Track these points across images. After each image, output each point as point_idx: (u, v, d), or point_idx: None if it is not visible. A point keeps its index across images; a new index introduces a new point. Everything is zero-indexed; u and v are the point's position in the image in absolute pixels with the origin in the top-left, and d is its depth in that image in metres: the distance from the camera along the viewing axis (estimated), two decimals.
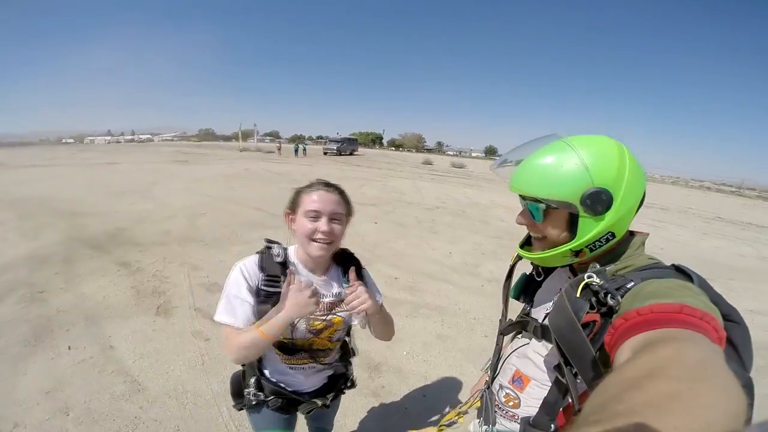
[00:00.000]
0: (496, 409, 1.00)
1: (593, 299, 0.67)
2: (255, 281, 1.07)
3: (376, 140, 76.15)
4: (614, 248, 0.79)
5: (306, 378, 1.24)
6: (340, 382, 1.34)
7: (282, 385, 1.21)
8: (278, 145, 30.70)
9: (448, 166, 29.15)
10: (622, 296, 0.64)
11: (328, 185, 1.13)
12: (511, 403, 0.95)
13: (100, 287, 3.70)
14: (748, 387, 0.53)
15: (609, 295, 0.64)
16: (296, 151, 29.67)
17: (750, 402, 0.47)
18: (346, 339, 1.34)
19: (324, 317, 1.16)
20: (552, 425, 0.84)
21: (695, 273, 0.67)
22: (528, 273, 1.04)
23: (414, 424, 2.22)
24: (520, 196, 0.84)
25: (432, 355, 2.89)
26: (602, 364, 0.63)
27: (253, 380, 1.19)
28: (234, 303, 1.04)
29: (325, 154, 32.68)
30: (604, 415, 0.33)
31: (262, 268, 1.08)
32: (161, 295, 3.62)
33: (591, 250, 0.78)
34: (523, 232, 0.93)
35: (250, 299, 1.05)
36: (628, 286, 0.65)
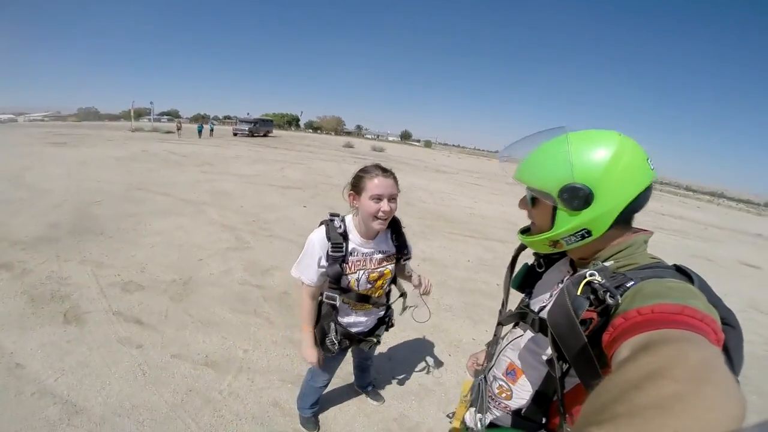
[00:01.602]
0: (490, 400, 1.01)
1: (592, 297, 0.66)
2: (325, 249, 1.36)
3: (292, 122, 72.43)
4: (610, 243, 0.78)
5: (366, 320, 1.62)
6: (383, 322, 1.72)
7: (350, 328, 1.59)
8: (178, 124, 26.63)
9: (369, 150, 29.34)
10: (621, 295, 0.63)
11: (384, 171, 1.34)
12: (503, 395, 0.96)
13: None
14: None
15: (609, 294, 0.63)
16: (200, 131, 26.22)
17: None
18: (391, 288, 1.67)
19: (377, 269, 1.47)
20: (543, 418, 0.86)
21: (696, 274, 0.68)
22: (530, 264, 1.03)
23: (390, 397, 2.31)
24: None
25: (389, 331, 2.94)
26: (598, 363, 0.63)
27: (332, 326, 1.53)
28: (304, 265, 1.40)
29: (236, 135, 30.09)
30: (605, 417, 0.33)
31: (329, 238, 1.35)
32: (64, 299, 3.02)
33: (567, 243, 0.79)
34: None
35: (316, 265, 1.37)
36: (628, 285, 0.65)
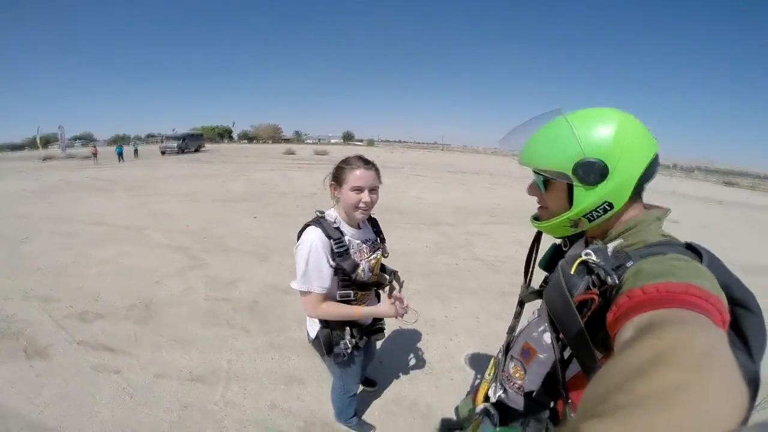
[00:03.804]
0: (506, 380, 1.02)
1: (592, 277, 0.66)
2: (328, 247, 1.30)
3: (224, 134, 68.74)
4: (619, 220, 0.77)
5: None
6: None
7: (360, 321, 1.55)
8: (93, 149, 22.87)
9: (312, 155, 28.79)
10: (620, 275, 0.63)
11: (366, 162, 1.33)
12: (517, 374, 0.97)
13: None
14: (755, 380, 0.54)
15: (607, 275, 0.63)
16: (119, 153, 22.34)
17: (754, 394, 0.52)
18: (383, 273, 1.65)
19: (371, 257, 1.48)
20: (551, 402, 0.85)
21: (707, 251, 0.66)
22: (557, 244, 1.02)
23: (383, 382, 2.44)
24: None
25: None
26: (601, 344, 0.63)
27: (347, 329, 1.49)
28: (312, 272, 1.29)
29: (164, 153, 27.92)
30: (607, 408, 0.32)
31: (328, 236, 1.30)
32: (18, 336, 2.84)
33: (589, 220, 0.77)
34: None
35: (326, 267, 1.31)
36: (628, 264, 0.64)
